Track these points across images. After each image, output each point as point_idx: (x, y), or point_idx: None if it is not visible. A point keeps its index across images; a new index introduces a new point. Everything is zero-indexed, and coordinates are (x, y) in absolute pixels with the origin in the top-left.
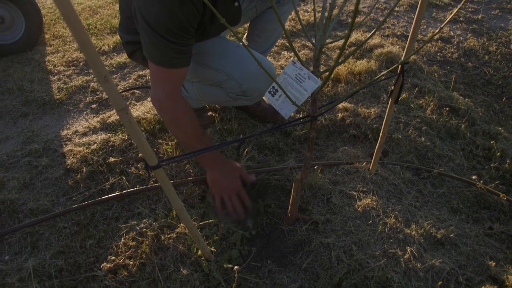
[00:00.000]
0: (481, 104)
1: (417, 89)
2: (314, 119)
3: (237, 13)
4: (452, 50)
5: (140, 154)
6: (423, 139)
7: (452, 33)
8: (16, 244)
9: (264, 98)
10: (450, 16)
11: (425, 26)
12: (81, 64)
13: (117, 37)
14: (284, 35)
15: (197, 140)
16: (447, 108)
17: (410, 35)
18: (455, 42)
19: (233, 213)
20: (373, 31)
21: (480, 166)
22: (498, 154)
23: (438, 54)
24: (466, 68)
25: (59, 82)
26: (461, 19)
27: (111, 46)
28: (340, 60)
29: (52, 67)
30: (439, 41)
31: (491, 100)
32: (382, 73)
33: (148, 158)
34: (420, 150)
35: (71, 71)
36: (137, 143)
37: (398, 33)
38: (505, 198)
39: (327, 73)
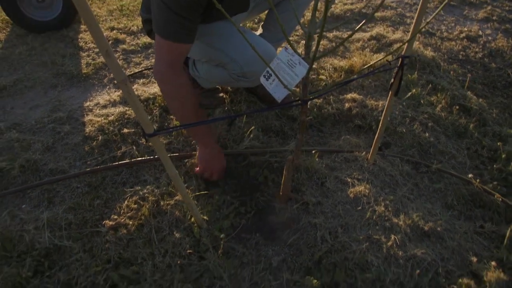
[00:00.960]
0: (497, 105)
1: (430, 86)
2: (304, 103)
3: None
4: (477, 49)
5: None
6: (427, 134)
7: (480, 32)
8: (36, 198)
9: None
10: (439, 10)
11: (453, 24)
12: (110, 42)
13: None
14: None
15: (192, 113)
16: (458, 107)
17: (412, 29)
18: (482, 42)
19: None
20: (360, 25)
21: (483, 167)
22: (504, 156)
23: (461, 52)
24: (488, 68)
25: (88, 58)
26: (494, 17)
27: (139, 27)
28: (322, 49)
29: (83, 44)
30: (465, 39)
31: (509, 102)
32: (380, 64)
33: (145, 126)
34: (423, 145)
35: None
36: (135, 111)
37: (423, 29)
38: (501, 199)
39: (314, 56)
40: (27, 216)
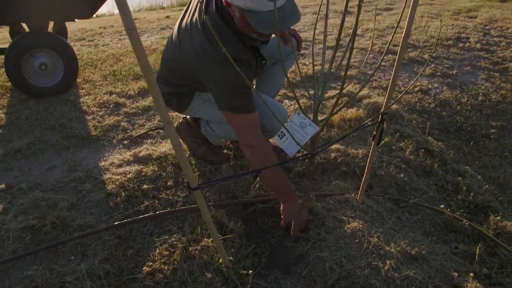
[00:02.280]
0: (453, 147)
1: (398, 134)
2: (313, 156)
3: (262, 68)
4: (430, 100)
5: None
6: (402, 175)
7: (430, 86)
8: (69, 252)
9: (269, 140)
10: (415, 80)
11: (407, 80)
12: (111, 106)
13: (141, 83)
14: (286, 86)
15: (282, 173)
16: (423, 150)
17: (387, 92)
18: (432, 94)
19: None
20: (363, 85)
21: (450, 198)
22: (464, 188)
23: (418, 104)
24: (441, 116)
25: (94, 121)
26: (438, 73)
27: (136, 91)
28: (333, 111)
29: (86, 108)
30: (419, 92)
31: (461, 143)
32: (366, 121)
33: (190, 181)
34: (400, 184)
35: (103, 111)
36: (182, 167)
37: (384, 85)
38: (468, 224)
39: (324, 121)
40: (65, 269)
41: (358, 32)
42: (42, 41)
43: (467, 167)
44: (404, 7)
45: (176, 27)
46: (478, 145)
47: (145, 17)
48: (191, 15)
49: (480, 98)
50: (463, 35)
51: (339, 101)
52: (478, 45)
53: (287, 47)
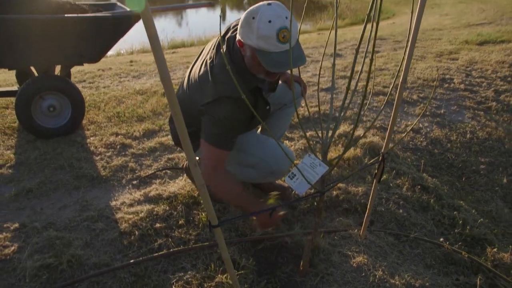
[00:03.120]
0: (446, 183)
1: (394, 171)
2: (322, 194)
3: (268, 114)
4: (421, 139)
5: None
6: (401, 211)
7: (421, 125)
8: None
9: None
10: (417, 121)
11: (399, 119)
12: (118, 147)
13: (145, 125)
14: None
15: (238, 196)
16: (419, 187)
17: (387, 133)
18: (424, 133)
19: None
20: (368, 126)
21: (447, 232)
22: (460, 222)
23: (410, 142)
24: (433, 154)
25: (102, 161)
26: (427, 113)
27: (141, 133)
28: (345, 151)
29: (94, 149)
30: (411, 132)
31: (453, 179)
32: (370, 161)
33: (212, 218)
34: (399, 219)
35: (110, 152)
36: (205, 206)
37: (377, 125)
38: (467, 256)
39: (336, 160)
40: None
41: (348, 74)
42: (53, 84)
43: (461, 202)
44: (404, 59)
45: (188, 70)
46: (469, 180)
47: (141, 60)
48: (202, 58)
49: (468, 136)
50: (447, 76)
51: (343, 142)
52: (462, 86)
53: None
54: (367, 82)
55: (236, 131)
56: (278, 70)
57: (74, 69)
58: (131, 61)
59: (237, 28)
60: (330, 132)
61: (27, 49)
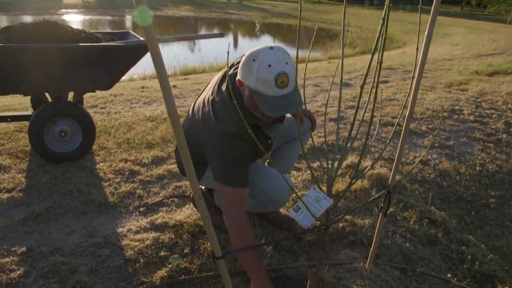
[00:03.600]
0: (455, 216)
1: (401, 204)
2: (327, 227)
3: (270, 148)
4: (430, 171)
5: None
6: (408, 244)
7: (429, 157)
8: None
9: (281, 209)
10: (421, 157)
11: (407, 151)
12: (127, 173)
13: (154, 152)
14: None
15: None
16: (427, 220)
17: (394, 167)
18: (432, 165)
19: None
20: (374, 160)
21: (455, 267)
22: (469, 257)
23: (419, 174)
24: (441, 186)
25: (111, 188)
26: (436, 145)
27: (150, 159)
28: (352, 183)
29: (103, 174)
30: (419, 163)
31: (462, 213)
32: (376, 194)
33: (215, 250)
34: (406, 253)
35: (119, 178)
36: (209, 237)
37: (385, 156)
38: None
39: (341, 194)
40: None
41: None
42: (65, 110)
43: (470, 236)
44: (409, 93)
45: (193, 103)
46: (479, 214)
47: (152, 86)
48: (207, 93)
49: (477, 168)
50: (456, 107)
51: (351, 173)
52: (471, 117)
53: (301, 127)
54: (372, 113)
55: (243, 165)
56: (273, 114)
57: (87, 94)
58: (142, 87)
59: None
60: (336, 164)
61: (41, 76)
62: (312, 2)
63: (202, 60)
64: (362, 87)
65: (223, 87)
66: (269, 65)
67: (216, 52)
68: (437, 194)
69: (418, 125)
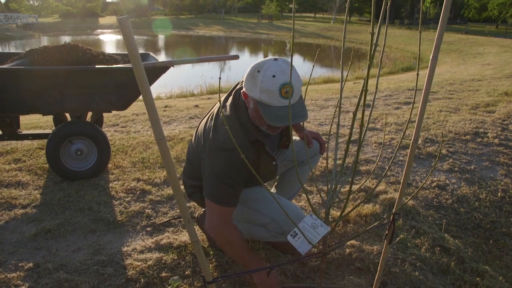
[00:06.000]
0: (471, 244)
1: (414, 230)
2: (324, 255)
3: (274, 170)
4: (447, 196)
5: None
6: (417, 273)
7: (447, 181)
8: None
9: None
10: (427, 178)
11: (425, 175)
12: (138, 192)
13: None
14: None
15: (244, 254)
16: (439, 248)
17: (399, 192)
18: (450, 190)
19: None
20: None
21: None
22: None
23: (435, 200)
24: (458, 212)
25: (121, 206)
26: (456, 169)
27: (162, 179)
28: (342, 214)
29: (114, 193)
30: (436, 188)
31: (480, 241)
32: (377, 222)
33: (206, 274)
34: (415, 282)
35: (129, 198)
36: (199, 261)
37: (402, 180)
38: None
39: (336, 222)
40: None
41: (378, 126)
42: (82, 130)
43: (487, 267)
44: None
45: (199, 123)
46: (498, 243)
47: (175, 105)
48: (212, 112)
49: (499, 194)
50: (481, 130)
51: (356, 197)
52: (496, 140)
53: (310, 149)
54: (360, 138)
55: (236, 185)
56: (278, 124)
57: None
58: (166, 106)
59: None
60: (341, 190)
61: (60, 97)
62: (341, 22)
63: (229, 79)
64: (354, 114)
65: (228, 102)
66: (274, 76)
67: (244, 71)
68: (453, 221)
69: (438, 148)
